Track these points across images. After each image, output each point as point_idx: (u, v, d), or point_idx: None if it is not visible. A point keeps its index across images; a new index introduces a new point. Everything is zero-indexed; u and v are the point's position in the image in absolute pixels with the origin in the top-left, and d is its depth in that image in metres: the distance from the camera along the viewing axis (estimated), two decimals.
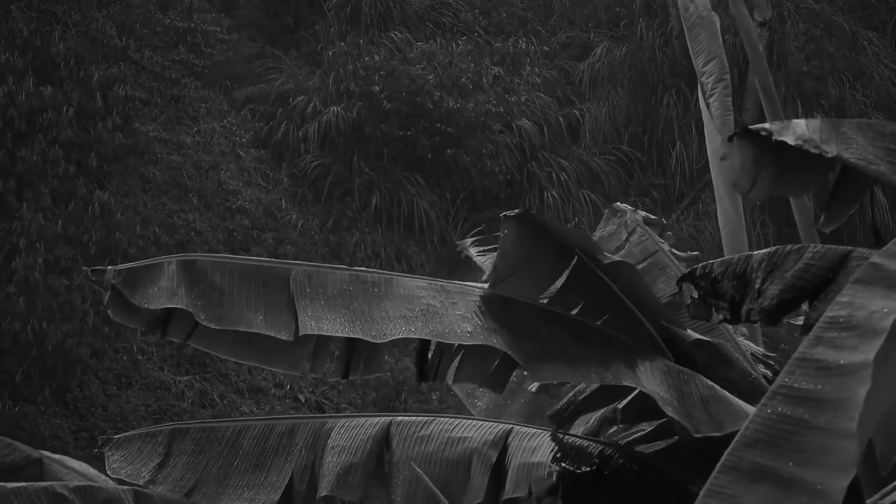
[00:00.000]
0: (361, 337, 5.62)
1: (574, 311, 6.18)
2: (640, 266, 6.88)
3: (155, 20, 20.52)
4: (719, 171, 8.91)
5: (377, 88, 20.39)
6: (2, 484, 5.64)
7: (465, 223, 20.31)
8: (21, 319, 15.95)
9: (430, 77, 20.71)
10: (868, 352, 2.87)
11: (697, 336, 6.18)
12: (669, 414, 5.51)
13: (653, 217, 7.35)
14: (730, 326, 6.57)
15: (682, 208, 21.43)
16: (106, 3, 19.75)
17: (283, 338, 5.64)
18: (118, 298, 5.77)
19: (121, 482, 6.11)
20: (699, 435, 5.47)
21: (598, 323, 6.14)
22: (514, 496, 5.77)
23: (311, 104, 20.72)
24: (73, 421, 16.69)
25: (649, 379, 5.64)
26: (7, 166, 17.19)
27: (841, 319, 2.99)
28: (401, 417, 6.12)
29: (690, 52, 9.00)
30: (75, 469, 6.45)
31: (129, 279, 5.76)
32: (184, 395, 17.30)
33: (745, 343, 6.70)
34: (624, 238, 7.13)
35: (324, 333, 5.66)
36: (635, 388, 5.76)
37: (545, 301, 6.18)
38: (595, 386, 6.16)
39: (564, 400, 6.46)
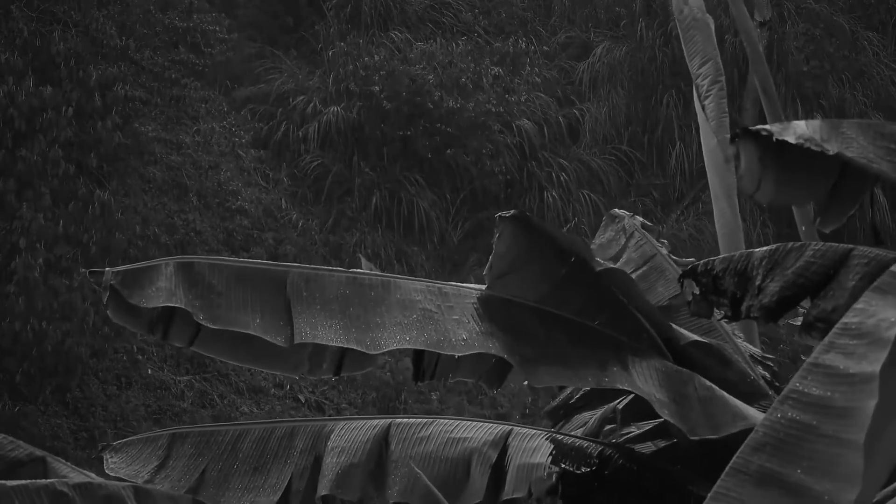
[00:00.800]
0: (356, 347, 5.63)
1: (572, 312, 6.18)
2: (639, 270, 6.89)
3: (155, 20, 20.53)
4: (715, 172, 8.92)
5: (377, 88, 20.40)
6: (2, 482, 5.64)
7: (465, 223, 20.32)
8: (21, 319, 15.96)
9: (430, 77, 20.71)
10: (875, 362, 2.86)
11: (696, 337, 6.18)
12: (665, 417, 5.51)
13: (649, 224, 7.36)
14: (728, 328, 6.57)
15: (682, 208, 21.43)
16: (106, 3, 19.76)
17: (279, 343, 5.65)
18: (117, 299, 5.78)
19: (120, 481, 6.12)
20: (696, 437, 5.47)
21: (596, 323, 6.14)
22: (513, 496, 5.77)
23: (311, 104, 20.73)
24: (73, 421, 16.70)
25: (646, 381, 5.64)
26: (7, 166, 17.19)
27: (853, 326, 2.97)
28: (401, 419, 6.12)
29: (685, 54, 9.02)
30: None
31: (128, 280, 5.77)
32: (184, 395, 17.30)
33: (743, 344, 6.70)
34: (623, 243, 7.13)
35: (319, 342, 5.68)
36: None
37: (542, 301, 6.18)
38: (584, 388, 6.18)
39: (561, 396, 6.47)
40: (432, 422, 6.08)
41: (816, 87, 22.22)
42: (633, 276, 6.86)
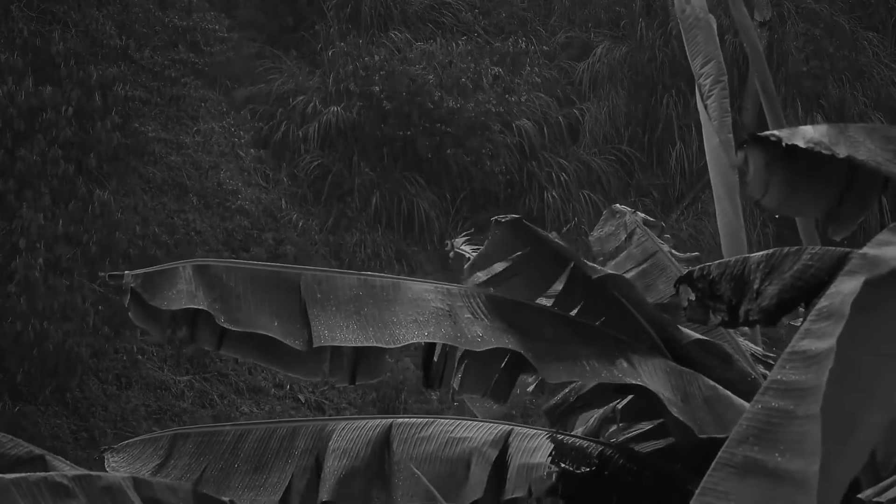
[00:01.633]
0: (375, 344, 5.63)
1: (573, 313, 6.20)
2: (640, 267, 6.90)
3: (154, 19, 20.51)
4: (718, 172, 8.92)
5: (377, 88, 20.40)
6: (1, 476, 5.61)
7: (465, 223, 20.30)
8: (21, 319, 15.96)
9: (430, 77, 20.72)
10: (832, 337, 2.89)
11: (697, 336, 6.19)
12: (675, 414, 5.52)
13: (651, 220, 7.36)
14: None
15: (682, 208, 21.44)
16: (105, 3, 19.75)
17: (297, 347, 5.65)
18: (138, 302, 5.76)
19: None
20: (704, 436, 5.49)
21: (598, 324, 6.16)
22: (514, 496, 5.79)
23: (311, 104, 20.72)
24: (73, 421, 16.70)
25: (653, 379, 5.67)
26: (7, 166, 17.19)
27: (824, 310, 3.01)
28: (402, 419, 6.13)
29: (688, 53, 9.03)
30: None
31: (147, 283, 5.74)
32: (184, 395, 17.30)
33: (744, 343, 6.71)
34: (623, 239, 7.14)
35: (337, 344, 5.68)
36: (632, 387, 5.77)
37: (543, 303, 6.21)
38: (592, 383, 6.19)
39: (560, 396, 6.48)
40: (433, 422, 6.10)
41: (816, 87, 22.23)
42: (634, 272, 6.89)
